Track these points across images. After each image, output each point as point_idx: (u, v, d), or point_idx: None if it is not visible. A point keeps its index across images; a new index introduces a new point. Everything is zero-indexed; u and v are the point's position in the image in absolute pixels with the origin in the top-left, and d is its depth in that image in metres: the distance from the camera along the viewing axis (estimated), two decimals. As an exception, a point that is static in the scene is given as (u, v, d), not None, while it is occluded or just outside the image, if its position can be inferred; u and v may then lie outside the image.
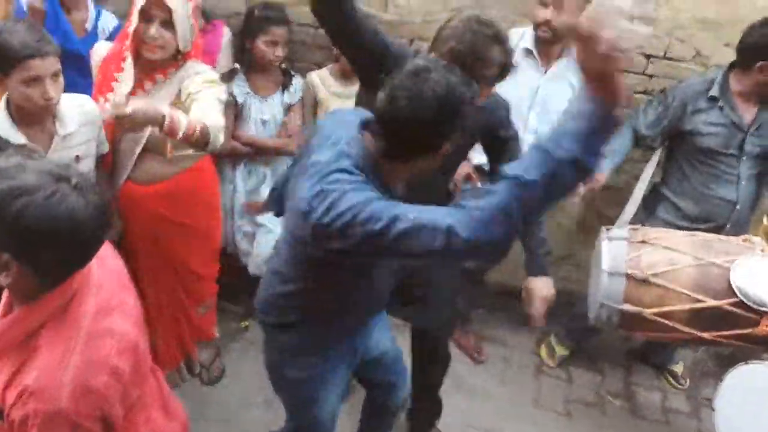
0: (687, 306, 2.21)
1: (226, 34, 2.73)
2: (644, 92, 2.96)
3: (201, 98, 2.05)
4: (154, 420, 1.46)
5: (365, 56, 1.89)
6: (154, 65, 2.10)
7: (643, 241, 2.28)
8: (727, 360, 3.23)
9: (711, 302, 2.17)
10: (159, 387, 1.53)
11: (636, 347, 3.34)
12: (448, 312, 2.50)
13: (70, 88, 1.96)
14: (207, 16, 2.64)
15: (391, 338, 2.21)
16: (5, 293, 1.27)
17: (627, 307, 2.25)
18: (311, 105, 2.91)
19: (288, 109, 2.88)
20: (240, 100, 2.79)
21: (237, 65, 2.78)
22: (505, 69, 1.83)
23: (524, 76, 2.56)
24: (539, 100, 2.60)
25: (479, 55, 1.74)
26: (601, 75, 1.14)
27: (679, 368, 3.26)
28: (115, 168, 2.24)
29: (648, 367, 3.33)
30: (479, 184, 2.57)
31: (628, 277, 2.21)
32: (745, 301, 2.12)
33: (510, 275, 3.03)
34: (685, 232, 2.36)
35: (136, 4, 2.00)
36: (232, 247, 3.05)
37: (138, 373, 1.34)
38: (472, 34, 1.76)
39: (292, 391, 1.99)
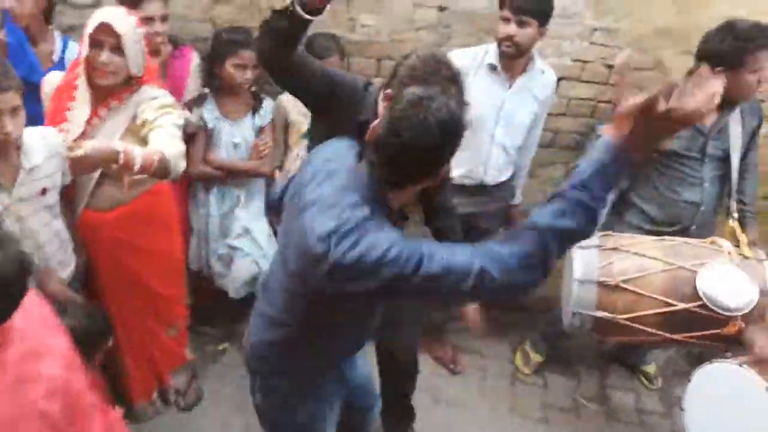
0: (658, 310, 2.23)
1: (194, 59, 2.68)
2: (608, 102, 2.99)
3: (158, 126, 2.03)
4: None
5: (311, 93, 1.93)
6: (108, 91, 2.07)
7: (614, 248, 2.29)
8: (697, 359, 3.23)
9: (681, 306, 2.20)
10: (110, 424, 1.49)
11: (609, 349, 3.34)
12: (419, 329, 2.48)
13: (39, 120, 1.91)
14: (175, 42, 2.58)
15: (366, 359, 2.18)
16: None
17: (600, 313, 2.26)
18: (282, 127, 2.87)
19: (259, 131, 2.84)
20: (210, 124, 2.74)
21: (206, 90, 2.73)
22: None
23: (489, 91, 2.57)
24: (504, 114, 2.60)
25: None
26: (656, 141, 1.20)
27: (651, 368, 3.28)
28: (74, 196, 2.19)
29: (622, 369, 3.34)
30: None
31: (600, 284, 2.22)
32: (710, 305, 2.14)
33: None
34: (655, 238, 2.38)
35: (86, 31, 1.97)
36: (206, 270, 2.99)
37: (74, 413, 1.30)
38: (429, 74, 1.74)
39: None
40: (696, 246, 2.32)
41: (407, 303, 1.55)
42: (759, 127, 2.69)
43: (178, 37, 2.65)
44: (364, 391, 2.13)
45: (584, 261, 2.25)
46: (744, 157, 2.65)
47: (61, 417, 1.24)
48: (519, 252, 1.30)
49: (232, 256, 2.89)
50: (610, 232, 2.46)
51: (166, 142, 1.96)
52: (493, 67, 2.56)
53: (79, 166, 1.77)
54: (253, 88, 2.79)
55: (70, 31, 2.65)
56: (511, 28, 2.41)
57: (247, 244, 2.87)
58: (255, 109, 2.80)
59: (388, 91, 1.79)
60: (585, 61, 2.90)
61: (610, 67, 2.91)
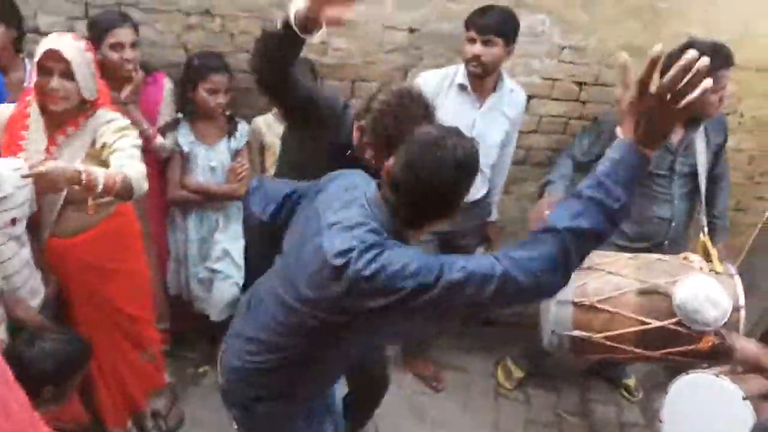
0: (634, 328, 2.23)
1: (167, 85, 2.65)
2: (579, 118, 2.99)
3: (118, 149, 2.01)
4: None
5: (296, 107, 1.96)
6: (64, 118, 2.03)
7: (588, 267, 2.27)
8: (677, 371, 3.20)
9: (656, 323, 2.19)
10: None
11: (590, 364, 3.30)
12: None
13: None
14: (147, 68, 2.55)
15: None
16: None
17: (577, 333, 2.26)
18: (258, 149, 2.84)
19: (235, 154, 2.81)
20: (186, 149, 2.71)
21: (179, 114, 2.70)
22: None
23: (460, 111, 2.55)
24: (476, 133, 2.56)
25: (404, 126, 1.73)
26: (669, 126, 1.17)
27: (632, 381, 3.26)
28: (38, 224, 2.15)
29: (603, 382, 3.31)
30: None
31: (575, 304, 2.22)
32: (685, 321, 2.13)
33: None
34: (628, 255, 2.36)
35: (34, 58, 1.94)
36: (186, 294, 2.94)
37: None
38: (401, 109, 1.77)
39: None
40: (669, 263, 2.32)
41: (428, 317, 1.52)
42: (725, 141, 2.69)
43: (150, 63, 2.62)
44: (345, 407, 2.11)
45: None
46: (712, 172, 2.64)
47: None
48: (540, 254, 1.28)
49: (213, 279, 2.85)
50: (585, 251, 2.44)
51: (127, 164, 1.94)
52: (463, 87, 2.55)
53: (41, 185, 1.75)
54: (228, 112, 2.76)
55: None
56: (477, 48, 2.40)
57: (227, 267, 2.83)
58: (230, 133, 2.77)
59: (362, 123, 1.82)
60: (554, 79, 2.89)
61: (579, 84, 2.91)
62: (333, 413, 2.00)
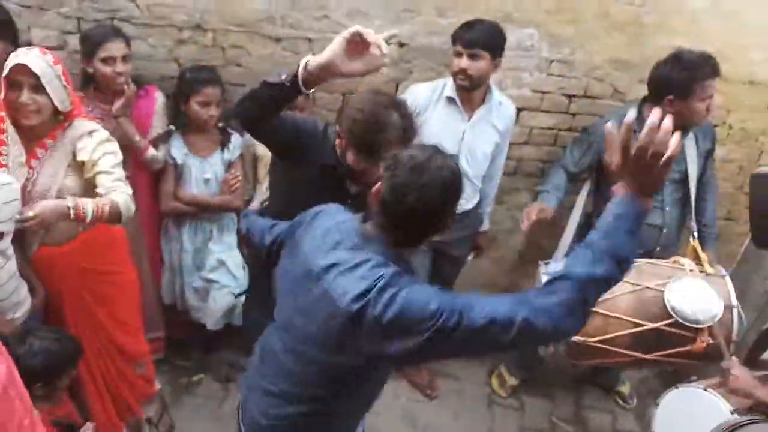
0: (628, 331, 2.22)
1: (159, 98, 2.63)
2: (569, 129, 2.98)
3: (103, 171, 2.03)
4: None
5: (281, 141, 2.00)
6: (41, 131, 2.02)
7: (580, 273, 2.22)
8: (671, 377, 3.19)
9: (650, 325, 2.18)
10: None
11: (585, 371, 3.27)
12: None
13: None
14: (138, 82, 2.53)
15: None
16: None
17: (572, 337, 2.19)
18: (251, 161, 2.84)
19: (229, 166, 2.79)
20: (180, 161, 2.69)
21: (172, 127, 2.69)
22: (408, 132, 1.82)
23: (449, 123, 2.55)
24: (466, 145, 2.58)
25: (379, 122, 1.78)
26: (656, 179, 1.24)
27: (626, 389, 3.23)
28: (25, 235, 2.13)
29: (597, 390, 3.28)
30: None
31: (570, 309, 2.15)
32: (680, 320, 2.13)
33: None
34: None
35: (2, 72, 1.93)
36: (181, 303, 2.92)
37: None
38: (372, 104, 1.80)
39: None
40: (659, 266, 2.32)
41: (449, 356, 1.52)
42: (713, 149, 2.68)
43: (142, 77, 2.62)
44: None
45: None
46: (701, 179, 2.63)
47: None
48: (560, 301, 1.30)
49: (208, 289, 2.83)
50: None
51: (113, 188, 1.98)
52: (451, 100, 2.54)
53: (33, 225, 1.78)
54: (221, 124, 2.74)
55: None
56: (464, 62, 2.40)
57: (222, 277, 2.81)
58: (224, 145, 2.75)
59: (341, 128, 1.87)
60: (544, 92, 2.88)
61: (568, 96, 2.90)
62: None
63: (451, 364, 3.25)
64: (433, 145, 1.47)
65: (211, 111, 2.60)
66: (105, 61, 2.36)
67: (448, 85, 2.54)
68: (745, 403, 1.94)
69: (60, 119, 2.04)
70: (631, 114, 1.22)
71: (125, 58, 2.40)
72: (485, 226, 2.93)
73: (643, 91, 2.56)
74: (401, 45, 2.73)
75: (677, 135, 1.19)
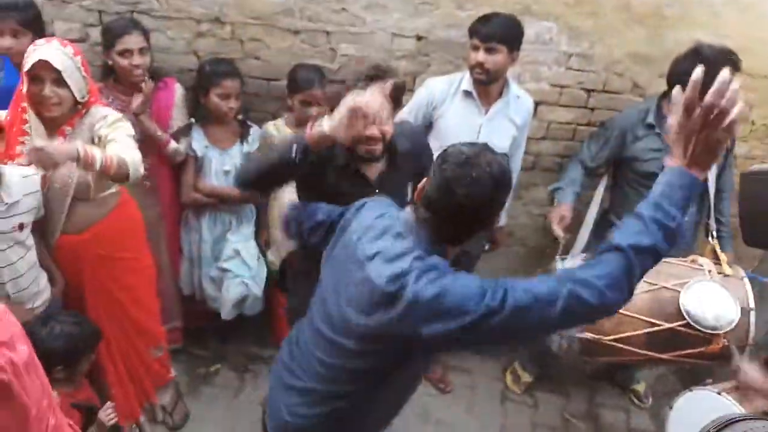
0: (643, 330, 2.19)
1: (178, 90, 2.63)
2: (587, 124, 2.93)
3: (112, 140, 2.02)
4: None
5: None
6: (60, 120, 2.04)
7: (596, 270, 2.18)
8: (689, 375, 3.14)
9: (665, 325, 2.14)
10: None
11: (600, 368, 3.22)
12: None
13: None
14: (158, 74, 2.55)
15: None
16: None
17: (586, 335, 2.23)
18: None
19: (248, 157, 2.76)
20: (200, 153, 2.70)
21: (192, 120, 2.69)
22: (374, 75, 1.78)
23: (465, 116, 2.51)
24: (482, 139, 2.53)
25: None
26: (715, 144, 1.20)
27: (641, 387, 3.17)
28: (47, 223, 2.16)
29: (612, 387, 3.22)
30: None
31: (585, 307, 2.12)
32: (693, 324, 2.09)
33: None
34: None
35: (24, 65, 1.94)
36: (199, 293, 2.92)
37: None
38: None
39: None
40: (677, 265, 2.26)
41: (496, 342, 1.44)
42: (732, 146, 2.61)
43: (162, 69, 2.62)
44: None
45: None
46: (719, 177, 2.56)
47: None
48: (606, 273, 1.27)
49: (223, 278, 2.83)
50: (592, 254, 2.37)
51: (123, 151, 1.96)
52: (468, 94, 2.51)
53: (39, 161, 1.74)
54: (240, 116, 2.74)
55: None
56: (480, 56, 2.37)
57: (236, 266, 2.80)
58: (243, 137, 2.75)
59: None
60: (563, 86, 2.84)
61: (587, 91, 2.84)
62: None
63: (465, 358, 3.23)
64: (483, 143, 1.45)
65: (230, 103, 2.60)
66: (122, 53, 2.37)
67: (465, 79, 2.51)
68: (760, 407, 1.89)
69: (78, 108, 2.06)
70: (699, 71, 1.16)
71: (142, 51, 2.41)
72: (502, 221, 2.89)
73: (664, 86, 2.50)
74: (419, 38, 2.70)
75: (742, 103, 1.16)
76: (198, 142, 2.67)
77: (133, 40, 2.37)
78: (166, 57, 2.67)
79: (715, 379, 2.21)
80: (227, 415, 2.78)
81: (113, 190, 2.21)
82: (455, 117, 2.48)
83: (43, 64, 1.90)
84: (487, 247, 2.98)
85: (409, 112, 2.52)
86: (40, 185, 2.02)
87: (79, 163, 1.79)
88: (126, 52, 2.37)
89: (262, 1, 2.59)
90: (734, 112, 1.14)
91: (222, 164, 2.72)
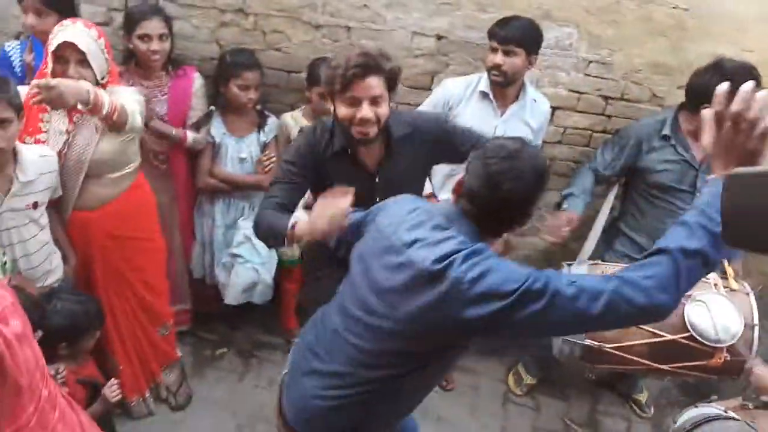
0: (645, 340, 2.17)
1: (197, 80, 2.65)
2: (603, 131, 2.90)
3: (118, 91, 2.09)
4: None
5: None
6: None
7: (602, 277, 2.17)
8: (693, 389, 3.10)
9: (668, 336, 2.12)
10: (56, 415, 1.46)
11: (603, 376, 3.18)
12: None
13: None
14: (177, 62, 2.58)
15: None
16: None
17: (588, 342, 2.20)
18: (285, 143, 2.81)
19: (264, 147, 2.81)
20: (217, 140, 2.73)
21: (212, 108, 2.72)
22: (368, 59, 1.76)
23: (481, 117, 2.50)
24: (496, 140, 2.51)
25: (338, 58, 1.77)
26: (752, 155, 1.16)
27: (643, 397, 3.13)
28: (61, 202, 2.19)
29: (614, 395, 3.19)
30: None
31: (589, 313, 2.11)
32: (697, 337, 2.07)
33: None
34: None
35: (49, 48, 1.98)
36: (210, 278, 2.96)
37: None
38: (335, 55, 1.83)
39: None
40: (684, 277, 2.21)
41: (531, 331, 1.43)
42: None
43: (183, 57, 2.65)
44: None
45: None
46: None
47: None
48: (653, 274, 1.25)
49: (233, 263, 2.85)
50: (599, 261, 2.39)
51: (125, 100, 2.01)
52: (484, 95, 2.51)
53: (51, 98, 1.77)
54: (258, 107, 2.76)
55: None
56: (498, 58, 2.37)
57: (247, 252, 2.82)
58: (260, 126, 2.78)
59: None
60: (580, 92, 2.81)
61: (605, 98, 2.82)
62: None
63: (469, 358, 3.18)
64: (520, 137, 1.46)
65: (249, 94, 2.62)
66: (142, 38, 2.40)
67: (482, 80, 2.51)
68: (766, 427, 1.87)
69: (98, 87, 2.08)
70: (725, 85, 1.15)
71: (162, 37, 2.43)
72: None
73: (682, 97, 2.48)
74: (439, 38, 2.70)
75: None
76: (216, 129, 2.71)
77: (153, 26, 2.39)
78: (189, 45, 2.69)
79: (720, 396, 2.18)
80: (230, 398, 2.81)
81: (127, 171, 2.23)
82: (471, 117, 2.46)
83: (69, 45, 1.95)
84: (498, 246, 2.97)
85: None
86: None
87: (88, 106, 1.82)
88: (145, 37, 2.39)
89: (286, -7, 2.61)
90: (765, 120, 1.12)
91: (238, 152, 2.75)
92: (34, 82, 1.77)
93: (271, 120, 2.79)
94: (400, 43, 2.70)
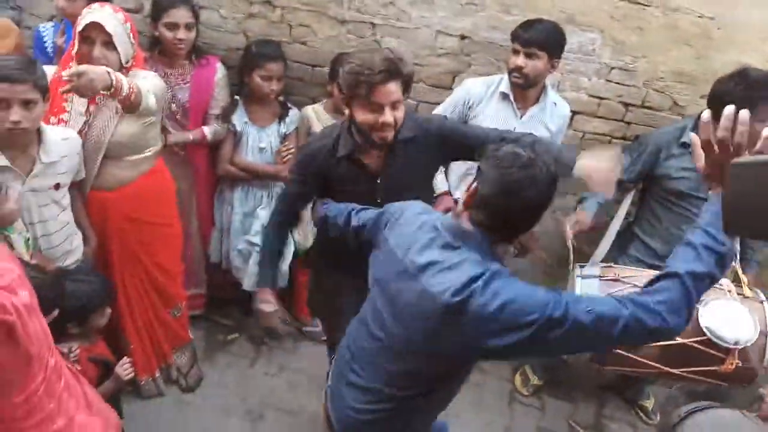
0: (656, 343, 2.10)
1: (219, 69, 2.67)
2: (622, 138, 2.88)
3: (137, 75, 2.11)
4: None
5: None
6: None
7: (614, 279, 2.19)
8: (702, 396, 3.05)
9: (679, 340, 2.09)
10: (62, 384, 1.51)
11: (609, 379, 3.17)
12: None
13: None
14: (200, 51, 2.60)
15: None
16: None
17: None
18: (305, 135, 2.84)
19: (284, 138, 2.83)
20: (239, 128, 2.75)
21: (237, 98, 2.74)
22: (392, 66, 1.76)
23: (501, 118, 2.50)
24: (515, 142, 2.51)
25: (365, 62, 1.74)
26: None
27: (650, 403, 3.10)
28: (82, 182, 2.22)
29: (620, 401, 3.17)
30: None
31: (601, 313, 2.11)
32: (713, 339, 2.04)
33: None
34: (655, 272, 2.25)
35: (76, 29, 2.01)
36: (226, 263, 2.99)
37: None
38: (358, 53, 1.83)
39: None
40: (699, 283, 2.20)
41: (554, 353, 1.53)
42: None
43: (211, 46, 2.67)
44: None
45: (585, 290, 2.17)
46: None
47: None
48: (665, 299, 1.30)
49: (251, 251, 2.88)
50: (611, 264, 2.37)
51: (141, 82, 2.02)
52: (505, 96, 2.49)
53: (79, 85, 1.77)
54: (281, 98, 2.78)
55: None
56: (520, 60, 2.36)
57: (264, 240, 2.85)
58: (281, 117, 2.80)
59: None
60: (601, 98, 2.79)
61: (626, 105, 2.80)
62: None
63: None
64: (529, 142, 1.49)
65: (272, 85, 2.64)
66: (168, 26, 2.42)
67: (503, 81, 2.49)
68: None
69: (121, 71, 2.10)
70: (705, 114, 1.20)
71: (188, 26, 2.45)
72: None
73: (704, 106, 2.45)
74: (463, 38, 2.70)
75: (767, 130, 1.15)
76: (238, 117, 2.73)
77: (180, 14, 2.41)
78: (216, 35, 2.71)
79: (730, 405, 2.17)
80: (240, 383, 2.83)
81: (146, 154, 2.25)
82: (490, 118, 2.46)
83: (95, 26, 1.97)
84: (515, 253, 2.97)
85: (445, 109, 2.52)
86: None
87: (111, 90, 1.84)
88: (172, 26, 2.42)
89: (314, -12, 2.61)
90: (758, 144, 1.14)
91: (258, 141, 2.78)
92: (64, 72, 1.78)
93: (293, 112, 2.81)
94: (424, 42, 2.70)
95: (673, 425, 1.76)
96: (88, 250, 2.23)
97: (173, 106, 2.59)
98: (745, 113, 1.14)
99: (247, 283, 2.90)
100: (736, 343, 2.03)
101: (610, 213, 2.75)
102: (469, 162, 2.59)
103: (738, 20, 2.56)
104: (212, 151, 2.78)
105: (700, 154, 1.23)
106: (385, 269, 1.56)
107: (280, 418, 2.70)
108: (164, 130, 2.45)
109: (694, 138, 1.23)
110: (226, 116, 2.68)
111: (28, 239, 1.96)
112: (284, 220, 2.14)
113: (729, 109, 1.15)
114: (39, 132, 1.92)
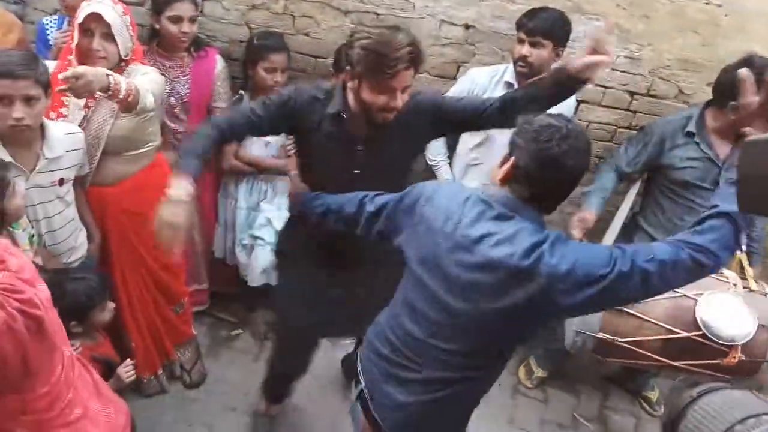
0: (659, 336, 2.15)
1: (219, 62, 2.62)
2: (628, 127, 2.84)
3: (136, 71, 2.09)
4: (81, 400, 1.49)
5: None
6: None
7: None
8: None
9: (682, 333, 2.09)
10: (75, 373, 1.52)
11: (613, 371, 3.15)
12: None
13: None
14: (198, 43, 2.56)
15: None
16: None
17: (602, 335, 2.17)
18: (310, 128, 2.81)
19: (289, 131, 2.79)
20: (244, 121, 2.71)
21: (242, 92, 2.70)
22: (415, 54, 1.71)
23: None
24: (521, 132, 2.48)
25: (387, 41, 1.67)
26: None
27: (654, 395, 3.07)
28: (84, 179, 2.19)
29: (624, 392, 3.14)
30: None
31: (607, 307, 2.10)
32: (708, 334, 2.05)
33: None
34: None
35: (76, 19, 1.98)
36: (230, 258, 2.95)
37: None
38: (377, 32, 1.72)
39: None
40: (703, 275, 2.18)
41: (615, 306, 1.65)
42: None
43: (212, 39, 2.64)
44: None
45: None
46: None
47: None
48: (717, 236, 1.34)
49: (254, 245, 2.85)
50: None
51: (139, 82, 1.99)
52: (510, 85, 2.46)
53: (77, 87, 1.74)
54: (285, 90, 2.74)
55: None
56: (525, 49, 2.32)
57: (267, 234, 2.81)
58: (286, 111, 2.76)
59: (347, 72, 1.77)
60: (606, 87, 2.75)
61: (631, 93, 2.76)
62: None
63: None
64: (556, 114, 1.48)
65: (276, 77, 2.60)
66: (172, 19, 2.38)
67: (508, 71, 2.46)
68: None
69: (121, 65, 2.09)
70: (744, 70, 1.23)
71: (192, 19, 2.41)
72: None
73: (710, 94, 2.42)
74: (467, 27, 2.66)
75: None
76: (244, 111, 2.71)
77: (184, 8, 2.38)
78: (219, 27, 2.68)
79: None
80: (244, 378, 2.79)
81: (145, 149, 2.23)
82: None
83: (95, 17, 1.95)
84: None
85: (450, 99, 2.51)
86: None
87: (108, 92, 1.81)
88: (176, 19, 2.38)
89: (316, -22, 2.57)
90: None
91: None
92: (60, 76, 1.74)
93: (299, 105, 2.79)
94: (428, 31, 2.66)
95: (684, 406, 1.74)
96: (92, 246, 2.21)
97: (172, 99, 2.54)
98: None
99: (253, 278, 2.86)
100: (732, 341, 2.02)
101: (615, 204, 2.73)
102: (475, 151, 2.58)
103: (746, 8, 2.52)
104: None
105: (751, 87, 1.26)
106: (431, 247, 1.52)
107: (283, 413, 2.70)
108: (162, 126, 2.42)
109: (743, 71, 1.24)
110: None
111: (33, 236, 1.93)
112: (225, 129, 1.88)
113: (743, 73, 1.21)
114: (42, 127, 1.89)
